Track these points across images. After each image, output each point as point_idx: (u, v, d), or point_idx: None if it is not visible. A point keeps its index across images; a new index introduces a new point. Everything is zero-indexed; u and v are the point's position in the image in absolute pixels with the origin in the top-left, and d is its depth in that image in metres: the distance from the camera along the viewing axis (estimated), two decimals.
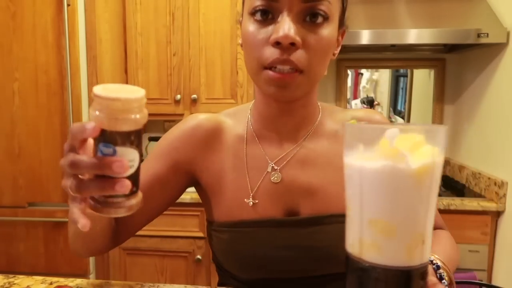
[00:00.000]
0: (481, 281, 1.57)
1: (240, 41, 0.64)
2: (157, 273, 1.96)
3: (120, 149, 0.40)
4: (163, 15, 2.08)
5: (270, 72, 0.57)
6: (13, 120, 1.87)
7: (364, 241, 0.39)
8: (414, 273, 0.38)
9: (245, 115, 0.72)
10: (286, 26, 0.54)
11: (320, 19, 0.57)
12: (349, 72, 2.38)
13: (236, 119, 0.72)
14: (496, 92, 1.86)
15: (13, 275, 0.82)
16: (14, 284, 0.78)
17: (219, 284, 0.76)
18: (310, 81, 0.60)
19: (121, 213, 0.42)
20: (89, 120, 0.40)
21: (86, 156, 0.41)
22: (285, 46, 0.55)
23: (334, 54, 0.64)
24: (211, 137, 0.70)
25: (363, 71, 2.38)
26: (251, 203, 0.66)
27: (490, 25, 1.79)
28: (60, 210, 1.90)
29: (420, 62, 2.31)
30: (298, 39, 0.55)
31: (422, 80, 2.33)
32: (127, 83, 2.15)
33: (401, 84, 2.37)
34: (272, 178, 0.67)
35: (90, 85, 1.92)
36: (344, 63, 2.37)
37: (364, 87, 2.39)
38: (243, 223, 0.65)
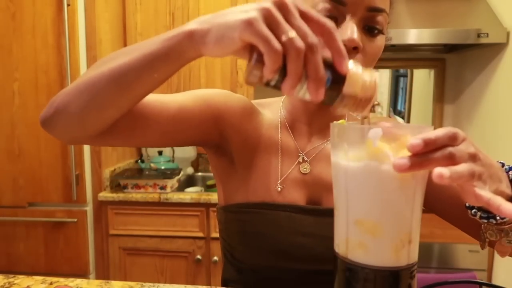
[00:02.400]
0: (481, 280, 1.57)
1: None
2: (157, 273, 1.96)
3: None
4: (163, 16, 2.08)
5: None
6: (13, 120, 1.87)
7: (350, 241, 0.39)
8: (402, 274, 0.38)
9: (277, 106, 0.75)
10: (352, 30, 0.58)
11: (376, 31, 0.61)
12: None
13: (267, 108, 0.75)
14: (496, 92, 1.86)
15: (13, 275, 0.82)
16: (14, 284, 0.78)
17: (222, 279, 0.76)
18: None
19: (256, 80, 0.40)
20: None
21: None
22: (348, 49, 0.57)
23: None
24: (253, 113, 0.72)
25: None
26: (279, 188, 0.68)
27: (490, 25, 1.79)
28: (60, 210, 1.90)
29: (420, 62, 2.31)
30: (361, 44, 0.59)
31: (422, 80, 2.33)
32: None
33: (401, 84, 2.37)
34: (302, 169, 0.69)
35: None
36: None
37: None
38: (267, 205, 0.67)
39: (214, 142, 0.71)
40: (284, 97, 0.76)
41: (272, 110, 0.74)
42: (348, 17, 0.59)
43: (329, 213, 0.66)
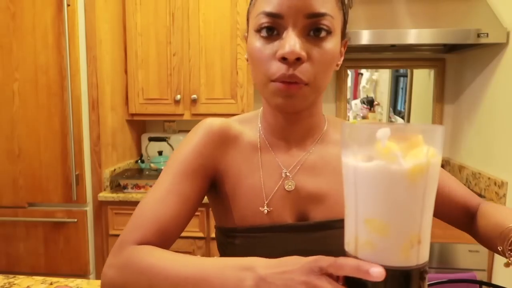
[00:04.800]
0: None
1: (246, 56, 0.67)
2: None
3: None
4: (163, 16, 2.08)
5: (277, 84, 0.60)
6: (13, 120, 1.87)
7: (359, 240, 0.39)
8: (412, 273, 0.38)
9: (255, 122, 0.74)
10: (291, 42, 0.57)
11: (323, 34, 0.59)
12: (349, 72, 2.38)
13: (247, 126, 0.73)
14: (496, 92, 1.86)
15: (13, 276, 0.82)
16: (14, 284, 0.78)
17: None
18: (315, 93, 0.62)
19: None
20: None
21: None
22: (291, 61, 0.57)
23: (337, 65, 0.66)
24: (229, 141, 0.71)
25: (363, 71, 2.38)
26: (266, 211, 0.67)
27: (490, 25, 1.79)
28: (60, 210, 1.90)
29: (420, 62, 2.31)
30: (303, 53, 0.57)
31: (422, 80, 2.33)
32: (127, 83, 2.15)
33: (401, 84, 2.37)
34: (286, 187, 0.68)
35: (90, 86, 1.92)
36: (344, 63, 2.37)
37: (364, 87, 2.39)
38: (256, 229, 0.67)
39: (211, 182, 0.71)
40: (259, 112, 0.75)
41: (252, 127, 0.73)
42: (289, 29, 0.58)
43: (318, 227, 0.67)
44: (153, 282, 0.52)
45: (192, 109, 2.12)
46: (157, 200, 0.63)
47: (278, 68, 0.59)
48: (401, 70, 2.35)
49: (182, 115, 2.13)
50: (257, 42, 0.61)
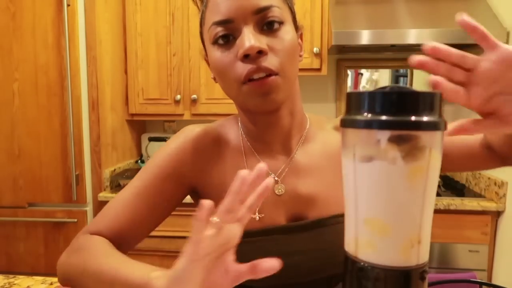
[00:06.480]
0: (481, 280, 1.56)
1: (212, 76, 0.69)
2: None
3: None
4: (163, 16, 2.08)
5: (249, 84, 0.60)
6: (13, 120, 1.87)
7: (359, 240, 0.39)
8: (412, 274, 0.38)
9: (237, 127, 0.72)
10: (248, 38, 0.58)
11: (276, 25, 0.60)
12: (349, 72, 2.38)
13: (229, 132, 0.72)
14: None
15: (13, 276, 0.82)
16: (14, 284, 0.78)
17: None
18: (287, 83, 0.62)
19: None
20: None
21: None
22: (254, 56, 0.58)
23: (300, 56, 0.67)
24: (211, 147, 0.70)
25: (363, 71, 2.38)
26: (258, 217, 0.66)
27: (490, 25, 1.79)
28: (60, 210, 1.90)
29: None
30: (263, 46, 0.58)
31: (422, 80, 2.33)
32: (127, 83, 2.15)
33: (401, 84, 2.37)
34: (276, 191, 0.67)
35: (90, 86, 1.92)
36: (344, 63, 2.37)
37: (364, 87, 2.39)
38: (249, 234, 0.65)
39: (188, 192, 0.72)
40: (238, 117, 0.73)
41: (234, 132, 0.71)
42: (242, 29, 0.59)
43: (312, 226, 0.66)
44: (86, 266, 0.60)
45: (192, 109, 2.12)
46: (124, 200, 0.67)
47: (244, 67, 0.59)
48: (401, 70, 2.35)
49: (182, 115, 2.13)
50: (216, 53, 0.61)
